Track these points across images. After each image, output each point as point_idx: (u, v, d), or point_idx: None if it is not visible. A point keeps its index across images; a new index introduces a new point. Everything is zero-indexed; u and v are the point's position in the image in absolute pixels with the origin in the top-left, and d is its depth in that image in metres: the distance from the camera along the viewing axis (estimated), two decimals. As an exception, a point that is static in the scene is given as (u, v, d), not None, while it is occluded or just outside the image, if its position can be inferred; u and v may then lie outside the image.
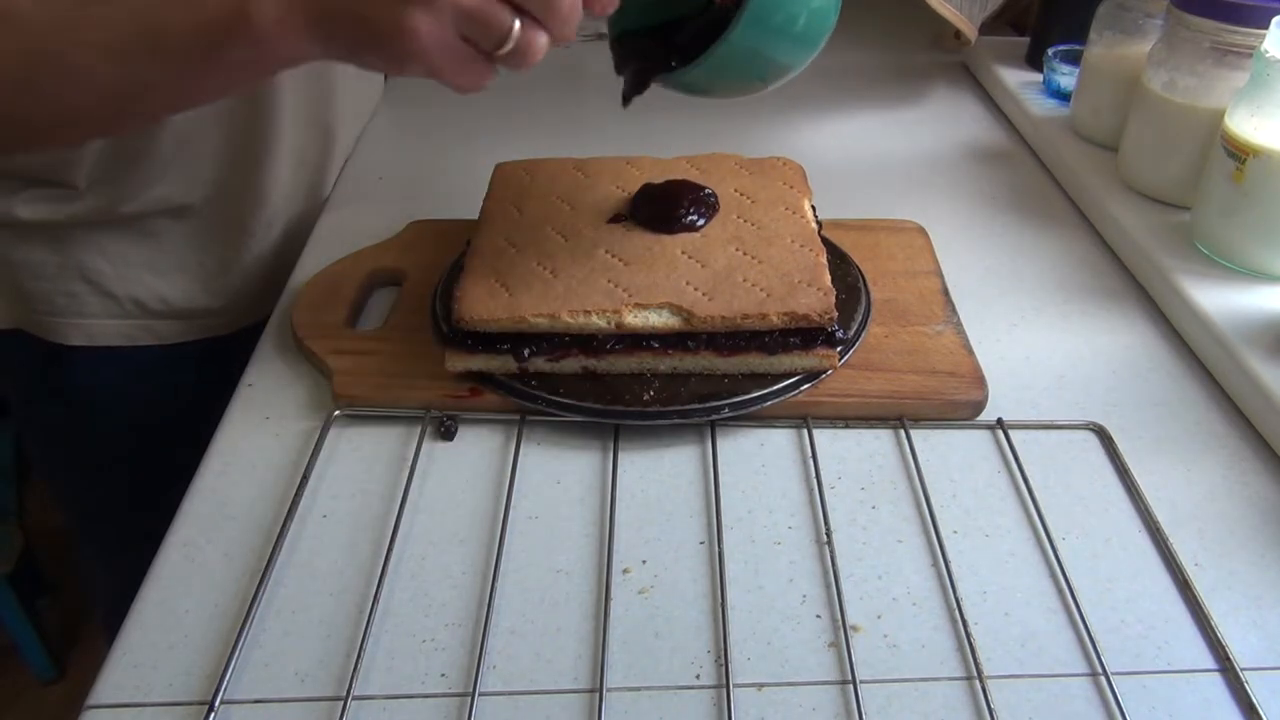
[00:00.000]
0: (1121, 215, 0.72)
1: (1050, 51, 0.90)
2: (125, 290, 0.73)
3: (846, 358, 0.58)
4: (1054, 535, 0.50)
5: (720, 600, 0.46)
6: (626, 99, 0.55)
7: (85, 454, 0.81)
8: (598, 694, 0.42)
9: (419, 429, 0.55)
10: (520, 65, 0.46)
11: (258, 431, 0.56)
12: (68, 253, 0.71)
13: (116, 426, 0.77)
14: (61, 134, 0.53)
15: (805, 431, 0.56)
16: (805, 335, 0.55)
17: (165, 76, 0.48)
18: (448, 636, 0.45)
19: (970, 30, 0.92)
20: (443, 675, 0.43)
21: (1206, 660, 0.44)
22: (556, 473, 0.53)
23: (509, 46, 0.45)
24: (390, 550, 0.48)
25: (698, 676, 0.43)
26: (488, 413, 0.56)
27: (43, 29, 0.46)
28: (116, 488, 0.82)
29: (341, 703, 0.41)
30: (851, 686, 0.42)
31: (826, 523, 0.50)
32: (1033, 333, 0.64)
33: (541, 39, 0.45)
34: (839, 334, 0.56)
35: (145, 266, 0.73)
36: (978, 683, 0.43)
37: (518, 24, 0.44)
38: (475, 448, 0.55)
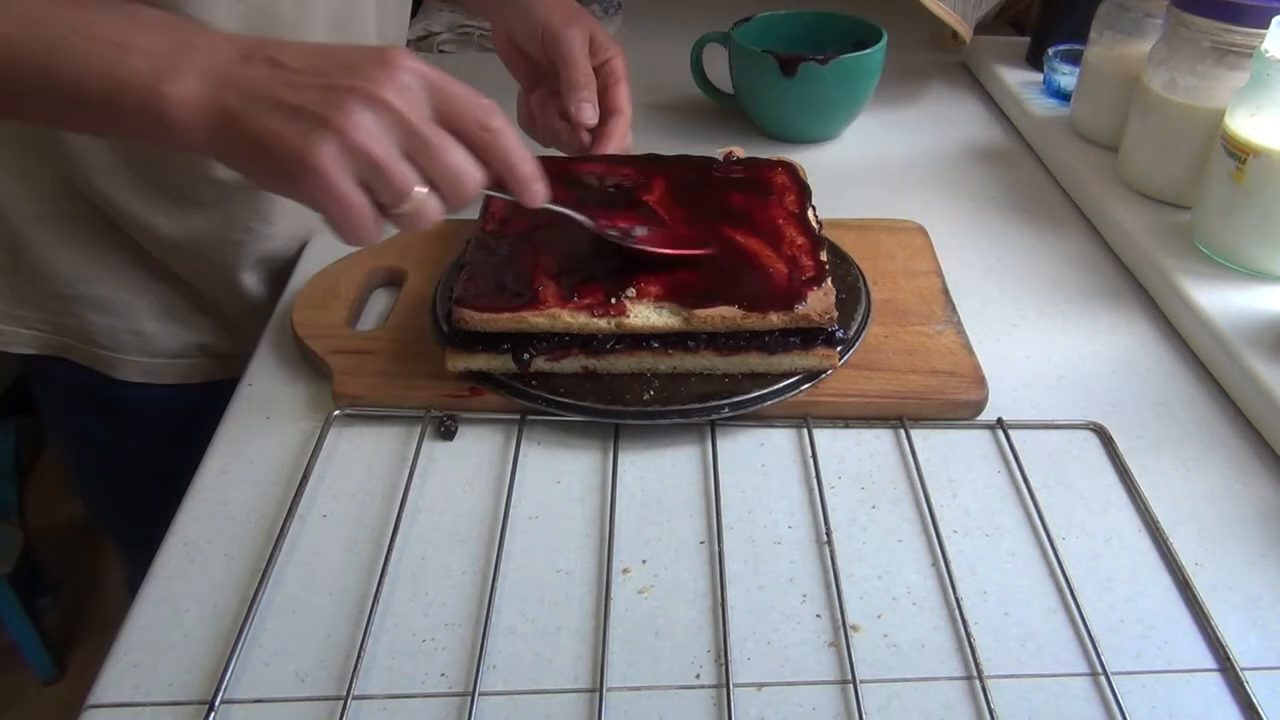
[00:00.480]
0: (1122, 215, 0.72)
1: (1050, 51, 0.90)
2: (189, 336, 0.74)
3: (846, 358, 0.58)
4: (1054, 535, 0.50)
5: (720, 600, 0.46)
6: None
7: (125, 465, 0.81)
8: (598, 694, 0.42)
9: (419, 429, 0.55)
10: (410, 227, 0.47)
11: (258, 431, 0.56)
12: (151, 291, 0.71)
13: (159, 442, 0.77)
14: None
15: (805, 431, 0.56)
16: (805, 335, 0.55)
17: (52, 97, 0.45)
18: (448, 636, 0.45)
19: (965, 30, 0.92)
20: (443, 675, 0.43)
21: (1206, 660, 0.44)
22: (556, 472, 0.53)
23: (405, 208, 0.45)
24: (390, 550, 0.48)
25: (698, 676, 0.43)
26: (488, 412, 0.56)
27: None
28: (152, 494, 0.82)
29: (341, 702, 0.41)
30: (851, 686, 0.42)
31: (826, 522, 0.50)
32: (1033, 332, 0.64)
33: (436, 207, 0.46)
34: (839, 334, 0.56)
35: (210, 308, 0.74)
36: (978, 682, 0.43)
37: (420, 188, 0.45)
38: (475, 447, 0.55)
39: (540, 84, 0.70)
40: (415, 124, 0.45)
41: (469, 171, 0.46)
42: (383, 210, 0.46)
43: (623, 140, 0.67)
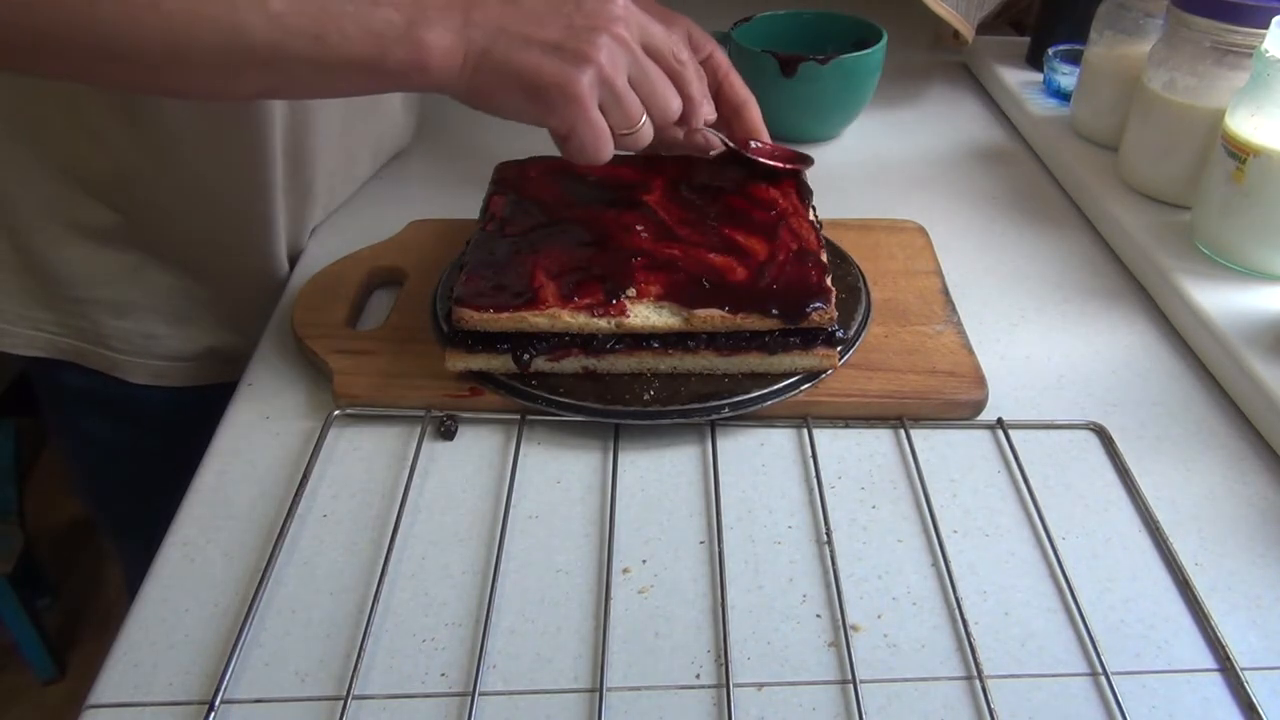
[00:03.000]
0: (1122, 215, 0.72)
1: (1050, 51, 0.90)
2: (200, 338, 0.74)
3: (846, 357, 0.58)
4: (1054, 535, 0.50)
5: (720, 600, 0.46)
6: None
7: (128, 466, 0.81)
8: (598, 693, 0.42)
9: (419, 429, 0.55)
10: (631, 147, 0.54)
11: (258, 431, 0.56)
12: (169, 293, 0.72)
13: (164, 443, 0.77)
14: (91, 63, 0.47)
15: (805, 431, 0.56)
16: (805, 335, 0.55)
17: (323, 63, 0.47)
18: (448, 636, 0.45)
19: (967, 30, 0.92)
20: (443, 675, 0.43)
21: (1206, 660, 0.44)
22: (556, 472, 0.53)
23: (633, 131, 0.53)
24: (390, 550, 0.48)
25: (698, 676, 0.43)
26: (488, 412, 0.56)
27: None
28: (154, 494, 0.82)
29: (341, 702, 0.41)
30: (851, 686, 0.42)
31: (826, 522, 0.50)
32: (1033, 332, 0.64)
33: (650, 131, 0.54)
34: (839, 334, 0.56)
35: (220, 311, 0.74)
36: (978, 682, 0.43)
37: (645, 116, 0.53)
38: (475, 447, 0.55)
39: None
40: (640, 58, 0.52)
41: (673, 100, 0.54)
42: (614, 134, 0.52)
43: (763, 125, 0.67)
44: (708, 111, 0.59)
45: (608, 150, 0.52)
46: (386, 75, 0.48)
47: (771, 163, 0.66)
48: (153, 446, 0.78)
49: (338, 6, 0.46)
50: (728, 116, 0.66)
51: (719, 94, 0.66)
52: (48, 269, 0.69)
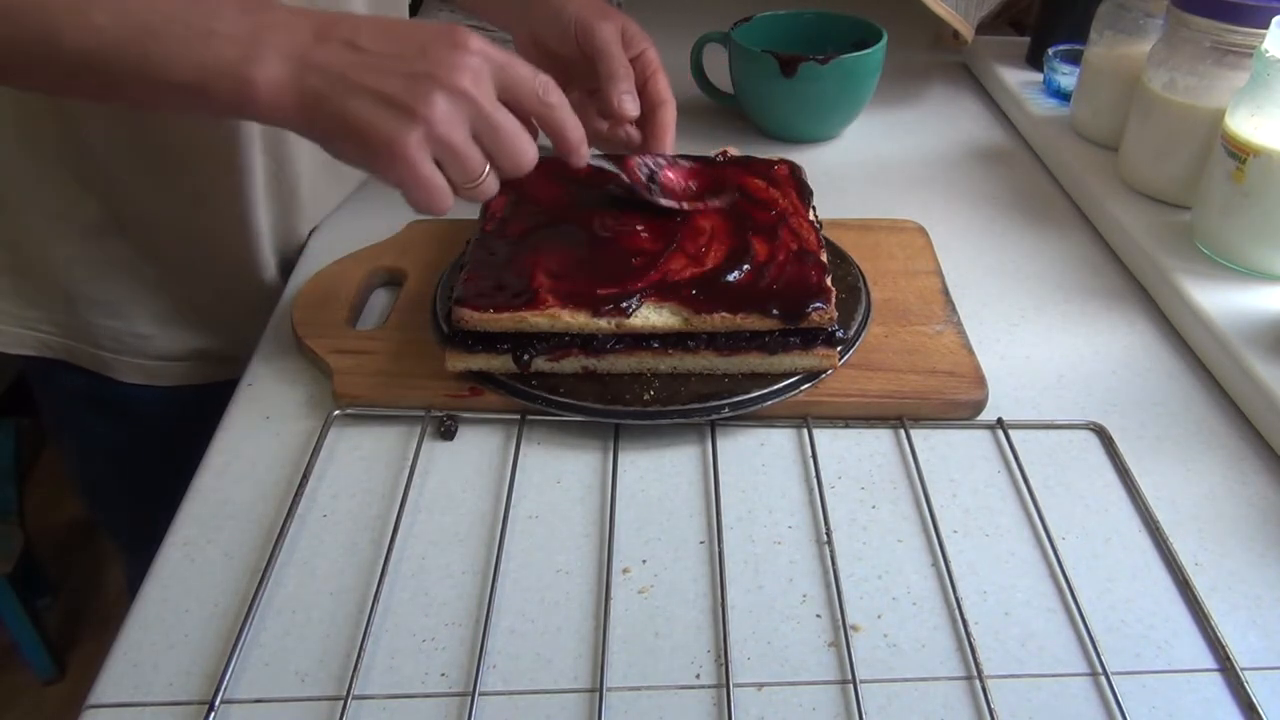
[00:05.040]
0: (1122, 215, 0.72)
1: (1050, 51, 0.90)
2: (188, 339, 0.74)
3: (846, 357, 0.58)
4: (1054, 535, 0.50)
5: (720, 600, 0.46)
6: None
7: (127, 466, 0.81)
8: (598, 693, 0.42)
9: (419, 428, 0.55)
10: (475, 199, 0.52)
11: (258, 431, 0.56)
12: (157, 293, 0.72)
13: (161, 442, 0.77)
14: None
15: (805, 431, 0.56)
16: (805, 335, 0.55)
17: (147, 81, 0.47)
18: (448, 636, 0.45)
19: (967, 30, 0.92)
20: (443, 675, 0.43)
21: (1206, 660, 0.44)
22: (557, 472, 0.53)
23: (474, 185, 0.51)
24: (390, 550, 0.48)
25: (698, 676, 0.43)
26: (488, 412, 0.56)
27: None
28: (154, 493, 0.82)
29: (342, 702, 0.41)
30: (851, 686, 0.42)
31: (826, 522, 0.50)
32: (1033, 332, 0.64)
33: (495, 183, 0.52)
34: (839, 334, 0.56)
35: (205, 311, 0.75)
36: (978, 682, 0.43)
37: (487, 168, 0.51)
38: (475, 447, 0.55)
39: (573, 86, 0.69)
40: (486, 110, 0.49)
41: (527, 150, 0.52)
42: (453, 186, 0.50)
43: (673, 131, 0.66)
44: (585, 153, 0.56)
45: (444, 204, 0.50)
46: (215, 104, 0.48)
47: (664, 202, 0.62)
48: (150, 446, 0.78)
49: (170, 29, 0.46)
50: (644, 116, 0.66)
51: (642, 92, 0.66)
52: (39, 267, 0.69)
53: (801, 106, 0.85)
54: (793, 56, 0.81)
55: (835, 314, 0.54)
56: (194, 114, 0.51)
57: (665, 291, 0.55)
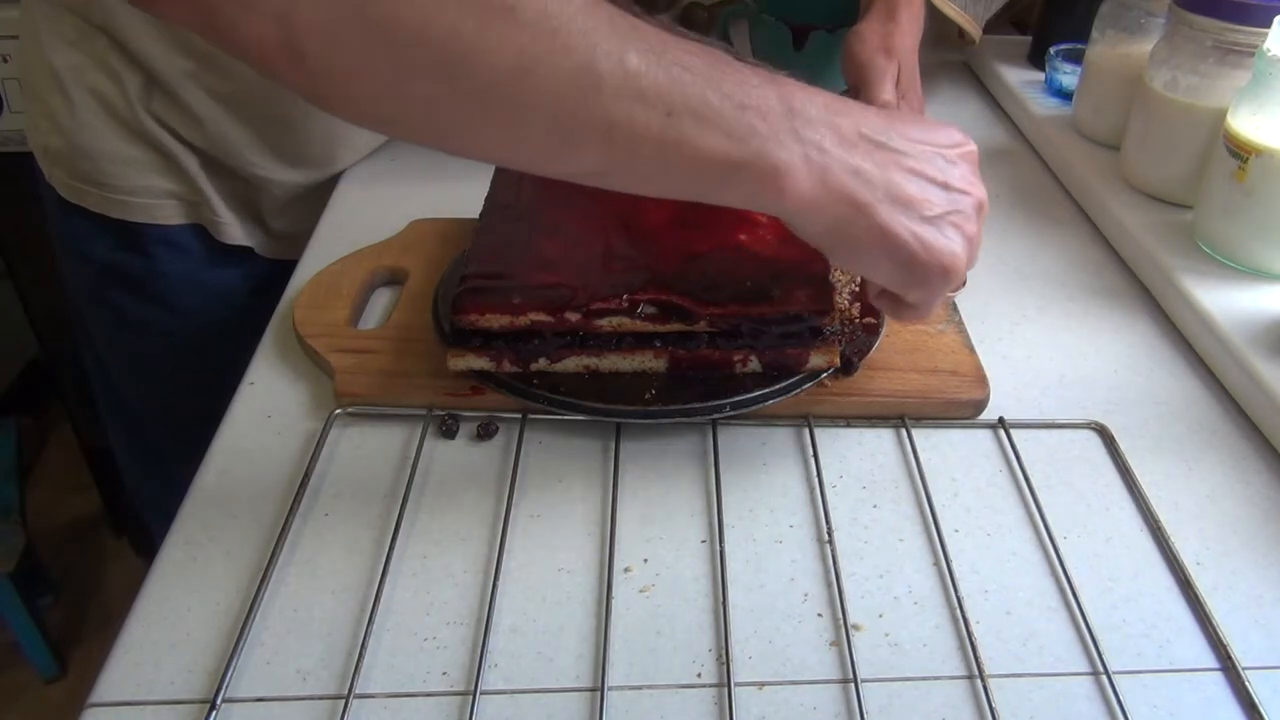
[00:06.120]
0: (1123, 214, 0.72)
1: (1052, 50, 0.90)
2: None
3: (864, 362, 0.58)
4: (1055, 534, 0.50)
5: (721, 599, 0.46)
6: None
7: (148, 352, 0.84)
8: (599, 692, 0.42)
9: (421, 427, 0.55)
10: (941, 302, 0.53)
11: (259, 430, 0.56)
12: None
13: (181, 323, 0.82)
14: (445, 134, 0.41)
15: (807, 430, 0.56)
16: (811, 332, 0.55)
17: (670, 152, 0.40)
18: (449, 635, 0.45)
19: (975, 29, 0.92)
20: (444, 673, 0.43)
21: (1208, 659, 0.44)
22: (558, 471, 0.53)
23: (960, 289, 0.52)
24: (392, 548, 0.48)
25: (699, 675, 0.43)
26: (489, 411, 0.56)
27: (580, 33, 0.37)
28: (171, 391, 0.86)
29: (343, 701, 0.42)
30: (853, 685, 0.42)
31: (828, 521, 0.50)
32: (1034, 332, 0.64)
33: None
34: (845, 349, 0.56)
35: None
36: (979, 681, 0.43)
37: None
38: (477, 446, 0.55)
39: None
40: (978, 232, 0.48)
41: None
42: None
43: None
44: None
45: (936, 308, 0.51)
46: (734, 182, 0.42)
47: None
48: (184, 333, 0.83)
49: (701, 91, 0.39)
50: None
51: None
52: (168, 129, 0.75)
53: (813, 80, 0.84)
54: (804, 26, 0.84)
55: (837, 313, 0.54)
56: (694, 196, 0.43)
57: (668, 288, 0.55)
